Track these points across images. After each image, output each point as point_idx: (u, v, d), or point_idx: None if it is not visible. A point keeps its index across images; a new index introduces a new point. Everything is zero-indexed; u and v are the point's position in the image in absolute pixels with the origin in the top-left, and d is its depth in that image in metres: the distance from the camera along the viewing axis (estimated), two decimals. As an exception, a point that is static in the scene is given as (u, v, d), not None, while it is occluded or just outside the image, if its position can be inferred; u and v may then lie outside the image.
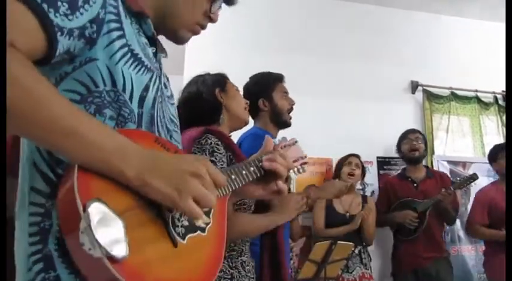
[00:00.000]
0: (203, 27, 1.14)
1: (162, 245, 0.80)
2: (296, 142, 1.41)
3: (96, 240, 0.67)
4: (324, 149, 3.98)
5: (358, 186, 3.97)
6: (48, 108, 0.72)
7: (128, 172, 0.77)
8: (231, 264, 1.67)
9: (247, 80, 2.53)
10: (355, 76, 4.48)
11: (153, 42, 1.05)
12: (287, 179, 1.26)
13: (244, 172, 1.10)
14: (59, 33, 0.78)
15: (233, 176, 1.07)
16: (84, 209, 0.69)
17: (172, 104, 1.13)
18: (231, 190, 1.05)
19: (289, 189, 3.41)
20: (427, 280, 3.51)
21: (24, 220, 0.85)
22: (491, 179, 4.40)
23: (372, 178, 4.30)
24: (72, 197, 0.70)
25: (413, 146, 3.82)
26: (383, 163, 4.41)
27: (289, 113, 2.47)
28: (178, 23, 1.10)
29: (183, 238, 0.86)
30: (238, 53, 3.98)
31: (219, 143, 1.64)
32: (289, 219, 1.85)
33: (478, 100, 4.88)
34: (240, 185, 1.08)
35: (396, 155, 4.27)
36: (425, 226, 3.55)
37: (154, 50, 1.05)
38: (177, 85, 1.98)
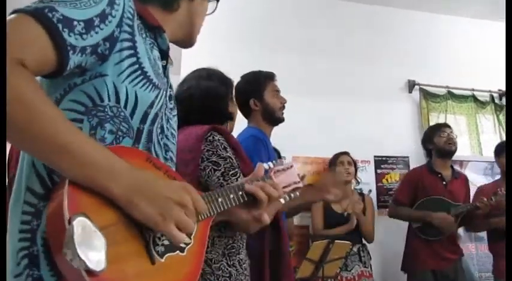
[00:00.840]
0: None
1: (140, 261, 0.85)
2: (292, 166, 1.39)
3: (77, 253, 0.72)
4: (321, 148, 3.98)
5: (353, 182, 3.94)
6: (43, 125, 0.76)
7: (114, 190, 0.81)
8: (229, 262, 1.66)
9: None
10: (352, 75, 4.48)
11: (164, 55, 1.10)
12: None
13: (232, 196, 1.14)
14: (71, 52, 0.83)
15: (220, 199, 1.11)
16: (70, 222, 0.74)
17: (174, 115, 1.17)
18: (215, 212, 1.09)
19: None
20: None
21: (17, 216, 0.89)
22: (489, 178, 4.43)
23: (369, 177, 4.31)
24: (60, 209, 0.76)
25: (450, 139, 3.65)
26: (380, 161, 4.41)
27: (281, 110, 2.46)
28: (195, 32, 1.22)
29: (162, 257, 0.89)
30: (235, 52, 3.98)
31: (224, 140, 1.65)
32: (321, 197, 1.90)
33: (475, 99, 4.89)
34: (226, 208, 1.12)
35: (393, 154, 4.28)
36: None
37: (164, 64, 1.10)
38: (174, 85, 1.98)
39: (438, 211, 3.45)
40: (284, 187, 1.32)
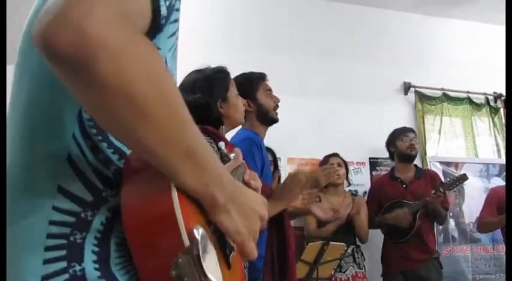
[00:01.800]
0: None
1: (222, 267, 0.73)
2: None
3: (204, 272, 0.58)
4: (316, 149, 3.98)
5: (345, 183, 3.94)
6: (176, 119, 0.62)
7: (219, 198, 0.68)
8: None
9: None
10: (348, 77, 4.49)
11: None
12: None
13: None
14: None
15: None
16: (191, 236, 0.59)
17: None
18: None
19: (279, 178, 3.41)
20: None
21: (42, 228, 0.65)
22: (484, 180, 4.45)
23: (364, 179, 4.31)
24: (171, 221, 0.60)
25: (412, 145, 3.76)
26: (375, 163, 4.42)
27: (275, 110, 2.47)
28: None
29: (230, 259, 0.82)
30: (231, 52, 3.98)
31: (212, 141, 1.65)
32: (291, 202, 1.81)
33: (470, 101, 4.91)
34: None
35: (388, 156, 4.27)
36: (416, 228, 3.53)
37: None
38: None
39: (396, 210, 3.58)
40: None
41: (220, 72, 1.94)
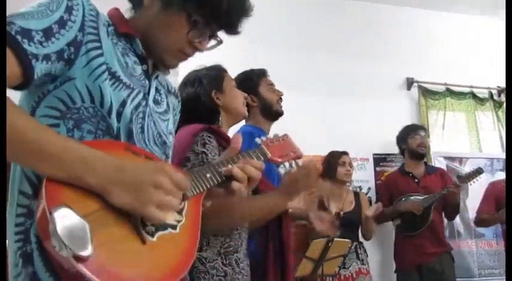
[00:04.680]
0: (188, 54, 1.14)
1: (130, 242, 0.86)
2: (286, 136, 1.35)
3: (63, 241, 0.75)
4: (320, 146, 3.97)
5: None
6: (12, 129, 0.80)
7: (89, 180, 0.83)
8: (224, 261, 1.65)
9: None
10: (350, 73, 4.48)
11: (143, 60, 1.11)
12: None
13: (221, 170, 1.09)
14: (33, 60, 0.87)
15: (208, 175, 1.07)
16: (51, 214, 0.77)
17: (164, 120, 1.16)
18: (205, 188, 1.05)
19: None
20: (431, 275, 3.49)
21: (12, 219, 0.95)
22: (488, 175, 4.43)
23: (368, 175, 4.31)
24: (42, 204, 0.80)
25: (423, 143, 3.82)
26: (379, 159, 4.42)
27: (279, 103, 2.47)
28: (160, 48, 1.11)
29: (153, 236, 0.90)
30: (234, 51, 3.96)
31: (211, 136, 1.66)
32: (292, 199, 1.76)
33: (473, 96, 4.89)
34: (216, 183, 1.07)
35: (392, 152, 4.27)
36: (430, 221, 3.54)
37: (145, 68, 1.11)
38: (174, 85, 1.97)
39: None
40: (281, 157, 1.29)
41: (213, 68, 1.95)
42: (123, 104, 1.00)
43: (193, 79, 1.92)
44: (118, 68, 1.02)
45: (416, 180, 3.75)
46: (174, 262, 0.92)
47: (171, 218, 0.92)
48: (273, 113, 2.46)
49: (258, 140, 1.24)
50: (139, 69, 1.09)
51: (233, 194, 1.09)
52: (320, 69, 4.38)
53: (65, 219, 0.77)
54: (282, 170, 1.21)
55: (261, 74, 2.51)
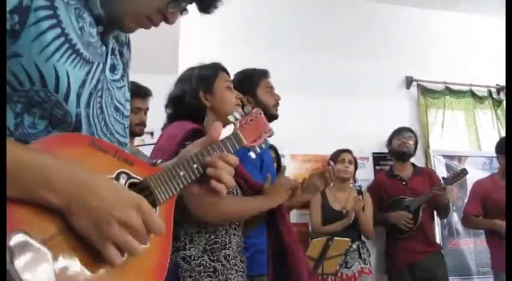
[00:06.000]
0: (154, 24, 0.98)
1: (97, 265, 0.76)
2: (259, 113, 1.30)
3: (19, 276, 0.65)
4: (320, 146, 3.99)
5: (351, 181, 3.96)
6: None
7: (53, 199, 0.70)
8: (212, 257, 1.63)
9: None
10: (350, 72, 4.49)
11: (100, 20, 0.93)
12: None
13: (195, 166, 0.98)
14: None
15: (182, 173, 0.95)
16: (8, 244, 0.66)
17: (121, 87, 1.02)
18: (178, 190, 0.95)
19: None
20: (422, 273, 3.54)
21: None
22: (487, 173, 4.43)
23: (367, 174, 4.32)
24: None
25: (403, 142, 3.89)
26: (379, 158, 4.42)
27: (275, 107, 2.43)
28: (124, 8, 0.94)
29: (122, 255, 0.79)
30: (232, 51, 3.98)
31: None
32: (279, 202, 1.77)
33: (473, 94, 4.90)
34: (189, 181, 0.97)
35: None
36: (419, 223, 3.59)
37: (101, 30, 0.93)
38: (172, 85, 1.99)
39: (399, 209, 3.65)
40: (254, 141, 1.24)
41: (208, 67, 1.93)
42: (82, 84, 0.86)
43: (185, 77, 1.92)
44: (76, 37, 0.85)
45: (404, 182, 3.80)
46: (146, 277, 0.85)
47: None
48: (267, 117, 2.44)
49: (230, 117, 1.18)
50: (94, 32, 0.91)
51: (215, 193, 0.99)
52: (319, 69, 4.39)
53: (22, 250, 0.66)
54: (253, 155, 1.19)
55: (262, 74, 2.48)
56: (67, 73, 0.82)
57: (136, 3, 0.93)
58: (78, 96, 0.85)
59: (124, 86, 1.02)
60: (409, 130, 4.04)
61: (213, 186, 0.97)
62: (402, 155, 3.90)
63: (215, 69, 1.92)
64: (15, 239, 0.65)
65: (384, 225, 3.78)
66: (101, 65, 0.92)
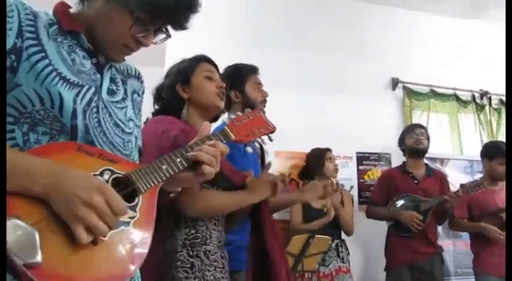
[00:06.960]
0: (132, 49, 1.14)
1: (80, 245, 0.88)
2: (256, 113, 1.36)
3: (13, 251, 0.80)
4: (303, 143, 3.99)
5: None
6: None
7: (35, 189, 0.87)
8: (191, 253, 1.63)
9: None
10: (336, 71, 4.49)
11: (92, 54, 1.13)
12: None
13: (178, 160, 1.11)
14: None
15: (164, 166, 1.08)
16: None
17: (122, 108, 1.18)
18: (160, 181, 1.07)
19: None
20: (421, 275, 3.52)
21: None
22: (469, 176, 4.50)
23: (351, 173, 4.34)
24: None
25: (418, 139, 3.81)
26: (362, 158, 4.45)
27: (262, 104, 2.42)
28: (105, 42, 1.12)
29: (104, 235, 0.92)
30: (219, 45, 3.96)
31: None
32: (261, 198, 1.78)
33: (457, 98, 4.95)
34: (172, 173, 1.09)
35: (376, 151, 4.31)
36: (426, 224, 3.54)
37: (95, 61, 1.13)
38: (160, 77, 1.98)
39: (408, 207, 3.59)
40: (246, 136, 1.29)
41: (190, 59, 1.93)
42: (74, 102, 1.03)
43: (168, 73, 1.94)
44: (64, 68, 1.04)
45: (416, 181, 3.74)
46: (127, 258, 0.94)
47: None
48: None
49: (222, 119, 1.26)
50: (88, 63, 1.11)
51: (204, 175, 1.12)
52: (305, 67, 4.39)
53: (14, 230, 0.82)
54: (249, 149, 1.21)
55: (251, 70, 2.46)
56: (59, 93, 1.01)
57: (107, 35, 1.11)
58: (74, 111, 1.03)
59: (126, 107, 1.19)
60: (421, 126, 3.99)
61: (202, 169, 1.11)
62: (417, 152, 3.81)
63: (195, 61, 1.92)
64: (9, 222, 0.81)
65: (389, 220, 3.73)
66: (93, 88, 1.10)
